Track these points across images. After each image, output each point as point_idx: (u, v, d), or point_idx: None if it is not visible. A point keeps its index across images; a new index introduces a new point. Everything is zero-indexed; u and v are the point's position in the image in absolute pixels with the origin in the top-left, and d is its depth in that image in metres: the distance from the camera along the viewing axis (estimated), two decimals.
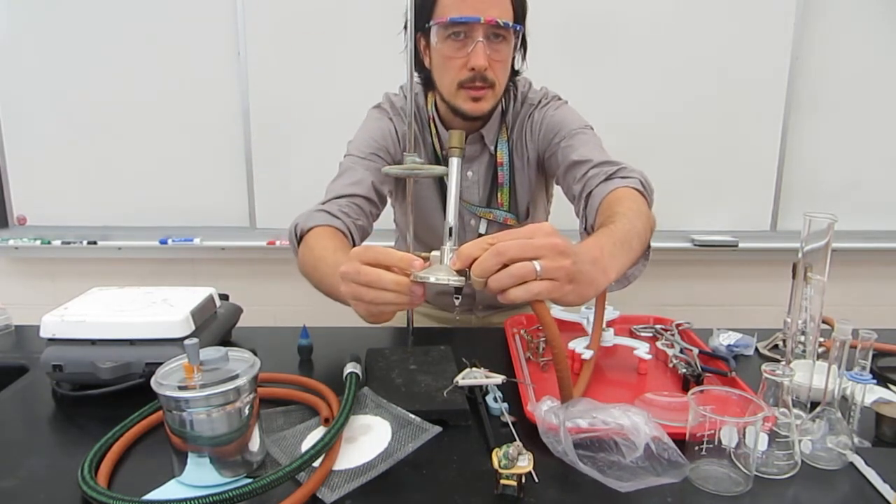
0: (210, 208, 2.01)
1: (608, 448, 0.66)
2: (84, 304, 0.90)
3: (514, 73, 1.10)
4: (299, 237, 0.99)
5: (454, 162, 0.69)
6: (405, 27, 1.03)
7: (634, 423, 0.65)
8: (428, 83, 1.10)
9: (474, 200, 1.19)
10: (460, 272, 0.65)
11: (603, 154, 1.03)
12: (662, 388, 0.87)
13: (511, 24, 0.99)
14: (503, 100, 1.11)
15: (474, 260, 0.63)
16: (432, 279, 0.65)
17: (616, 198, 0.90)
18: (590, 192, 0.97)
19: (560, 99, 1.15)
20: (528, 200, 1.19)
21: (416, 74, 1.10)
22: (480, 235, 1.19)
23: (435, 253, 0.69)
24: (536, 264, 0.62)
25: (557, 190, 1.19)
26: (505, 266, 0.62)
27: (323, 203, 1.03)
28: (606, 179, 0.96)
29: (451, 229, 0.69)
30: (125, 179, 1.97)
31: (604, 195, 0.93)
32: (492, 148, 1.14)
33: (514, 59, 1.07)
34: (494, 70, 1.01)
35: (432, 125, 1.14)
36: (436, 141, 1.15)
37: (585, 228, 0.97)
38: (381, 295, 0.67)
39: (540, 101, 1.13)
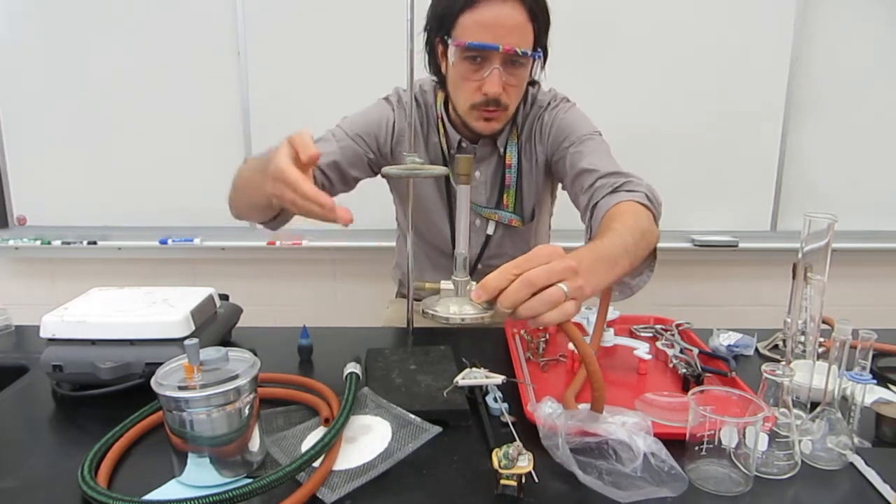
0: (210, 208, 2.00)
1: (607, 455, 0.66)
2: (84, 304, 0.90)
3: (531, 83, 1.10)
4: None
5: (462, 190, 0.68)
6: (424, 29, 1.03)
7: (633, 440, 0.65)
8: (442, 85, 1.10)
9: (481, 201, 1.18)
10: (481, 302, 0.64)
11: (611, 163, 1.02)
12: (662, 388, 0.87)
13: (529, 52, 0.98)
14: None
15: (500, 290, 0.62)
16: (458, 318, 0.64)
17: (618, 212, 0.90)
18: (595, 204, 0.96)
19: (569, 101, 1.15)
20: (535, 202, 1.19)
21: (426, 70, 1.09)
22: (488, 237, 1.20)
23: (446, 284, 0.68)
24: (563, 286, 0.62)
25: (561, 192, 1.19)
26: (533, 294, 0.62)
27: None
28: (612, 192, 0.95)
29: (465, 259, 0.67)
30: (125, 179, 1.97)
31: (607, 208, 0.92)
32: (501, 149, 1.14)
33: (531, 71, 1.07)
34: (508, 94, 1.01)
35: (440, 124, 1.14)
36: (443, 140, 1.14)
37: (591, 239, 0.97)
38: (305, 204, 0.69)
39: (549, 103, 1.13)
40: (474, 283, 0.65)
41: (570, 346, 0.94)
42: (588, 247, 0.77)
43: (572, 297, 0.63)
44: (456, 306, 0.65)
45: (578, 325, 1.05)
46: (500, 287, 0.62)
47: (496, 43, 0.94)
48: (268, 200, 0.79)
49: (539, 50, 1.01)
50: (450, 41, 0.98)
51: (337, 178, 1.08)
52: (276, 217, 1.01)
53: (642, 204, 0.91)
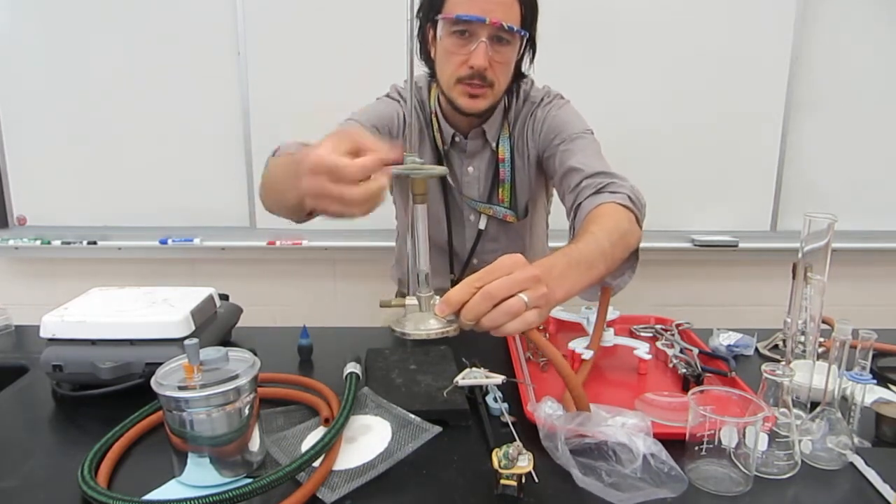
0: (210, 208, 2.01)
1: (607, 457, 0.66)
2: (84, 304, 0.90)
3: (520, 75, 1.10)
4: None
5: (419, 209, 0.69)
6: (417, 15, 1.03)
7: (633, 441, 0.65)
8: (433, 72, 1.10)
9: (474, 195, 1.19)
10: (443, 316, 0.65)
11: (599, 163, 1.02)
12: (662, 388, 0.87)
13: (516, 28, 0.98)
14: (506, 97, 1.11)
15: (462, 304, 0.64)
16: (424, 334, 0.65)
17: (598, 214, 0.90)
18: (579, 205, 0.97)
19: (562, 98, 1.15)
20: (528, 198, 1.19)
21: (422, 65, 1.10)
22: (480, 231, 1.20)
23: (411, 300, 0.69)
24: (524, 296, 0.63)
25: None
26: (494, 305, 0.63)
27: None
28: (595, 193, 0.95)
29: (426, 276, 0.69)
30: (125, 180, 1.97)
31: (589, 209, 0.93)
32: (493, 144, 1.15)
33: (520, 61, 1.07)
34: (495, 71, 1.01)
35: (434, 120, 1.15)
36: (437, 136, 1.15)
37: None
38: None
39: (542, 100, 1.13)
40: (438, 297, 0.66)
41: (570, 345, 0.94)
42: (562, 251, 0.77)
43: (534, 305, 0.64)
44: (421, 322, 0.67)
45: (577, 326, 1.05)
46: (463, 301, 0.63)
47: (483, 15, 0.95)
48: (300, 200, 0.71)
49: (526, 30, 1.01)
50: (438, 18, 0.99)
51: None
52: (310, 213, 0.98)
53: (624, 205, 0.91)
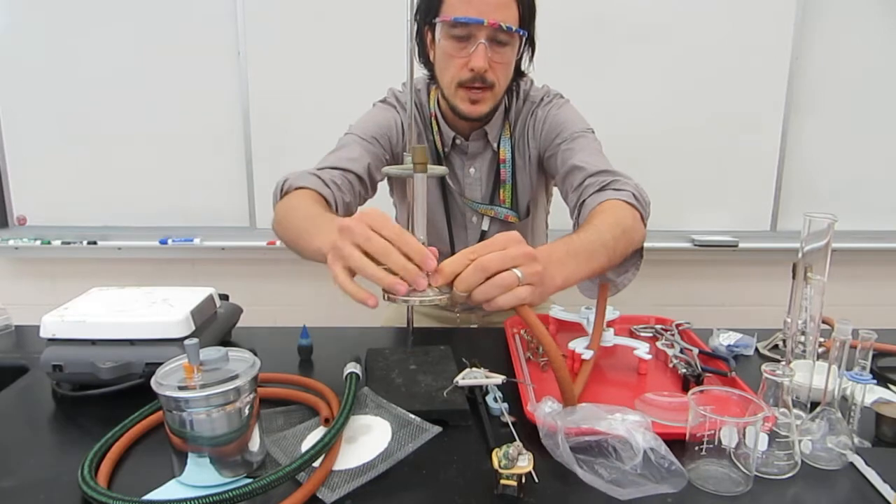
0: (210, 208, 2.01)
1: (607, 454, 0.66)
2: (84, 304, 0.90)
3: (520, 74, 1.10)
4: (284, 193, 0.99)
5: (419, 178, 0.69)
6: (415, 18, 1.04)
7: (633, 436, 0.65)
8: (432, 75, 1.11)
9: (476, 197, 1.19)
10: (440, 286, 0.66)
11: (601, 161, 1.02)
12: (662, 388, 0.87)
13: (515, 28, 0.99)
14: (506, 98, 1.11)
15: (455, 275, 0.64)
16: (415, 300, 0.65)
17: (601, 210, 0.90)
18: (583, 202, 0.97)
19: (562, 97, 1.16)
20: (529, 198, 1.19)
21: (422, 68, 1.10)
22: (484, 233, 1.21)
23: None
24: (517, 271, 0.64)
25: (556, 189, 1.20)
26: (487, 278, 0.64)
27: (318, 169, 1.02)
28: (599, 190, 0.96)
29: (423, 245, 0.69)
30: (125, 179, 1.98)
31: (593, 206, 0.93)
32: (494, 145, 1.15)
33: (520, 60, 1.07)
34: (495, 72, 1.01)
35: (434, 123, 1.14)
36: (437, 138, 1.15)
37: None
38: (377, 273, 0.62)
39: (542, 99, 1.14)
40: None
41: (570, 345, 0.94)
42: (563, 240, 0.78)
43: (527, 282, 0.65)
44: (414, 289, 0.67)
45: (577, 325, 1.05)
46: (456, 272, 0.64)
47: (481, 17, 0.95)
48: (315, 255, 0.75)
49: (525, 29, 1.01)
50: (436, 21, 0.99)
51: (370, 184, 1.08)
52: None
53: (628, 203, 0.92)
